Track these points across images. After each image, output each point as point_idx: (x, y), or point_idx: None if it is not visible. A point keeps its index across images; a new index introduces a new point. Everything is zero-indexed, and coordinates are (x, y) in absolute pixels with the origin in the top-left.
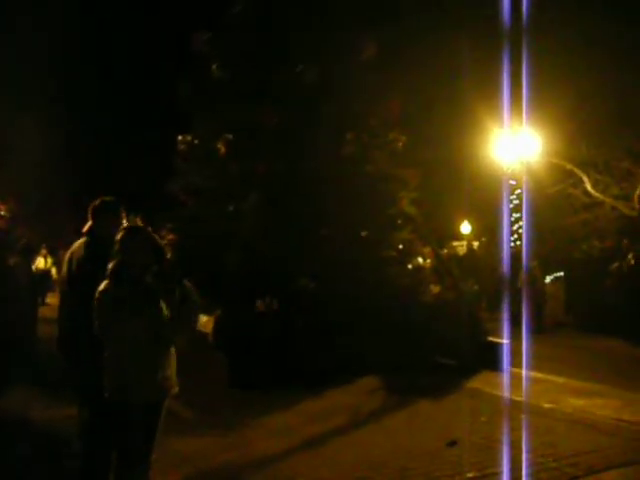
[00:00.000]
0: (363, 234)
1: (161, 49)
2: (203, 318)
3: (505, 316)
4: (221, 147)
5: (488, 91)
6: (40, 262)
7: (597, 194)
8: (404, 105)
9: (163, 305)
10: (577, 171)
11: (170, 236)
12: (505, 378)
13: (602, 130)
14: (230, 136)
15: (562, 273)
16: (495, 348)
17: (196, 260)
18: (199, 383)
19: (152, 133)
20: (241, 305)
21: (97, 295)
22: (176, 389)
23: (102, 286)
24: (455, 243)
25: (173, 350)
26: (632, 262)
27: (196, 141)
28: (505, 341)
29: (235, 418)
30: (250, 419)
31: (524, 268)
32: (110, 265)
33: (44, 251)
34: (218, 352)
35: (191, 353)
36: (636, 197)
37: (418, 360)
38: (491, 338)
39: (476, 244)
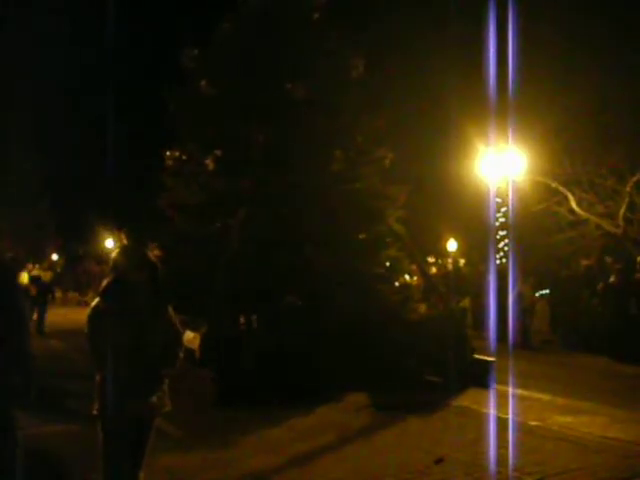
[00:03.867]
0: (350, 251)
1: (148, 65)
2: (190, 334)
3: (491, 333)
4: (209, 163)
5: (474, 109)
6: (24, 277)
7: (582, 212)
8: (391, 122)
9: (152, 325)
10: (562, 189)
11: (157, 252)
12: (492, 395)
13: (586, 148)
14: (218, 152)
15: (547, 290)
16: (482, 365)
17: (183, 276)
18: (186, 399)
19: (139, 149)
20: (227, 321)
21: (89, 312)
22: (168, 407)
23: (94, 303)
24: (432, 260)
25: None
26: (616, 280)
27: (184, 157)
28: (491, 358)
29: (222, 435)
30: (237, 436)
31: (510, 285)
32: (104, 282)
33: (30, 266)
34: (204, 368)
35: (178, 370)
36: (620, 215)
37: (405, 377)
38: (477, 355)
39: (462, 261)
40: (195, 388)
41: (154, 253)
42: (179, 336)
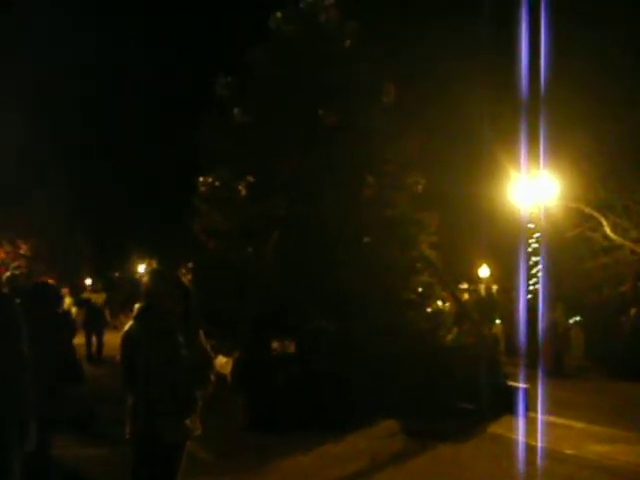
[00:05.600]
0: (382, 277)
1: (181, 92)
2: (222, 359)
3: (524, 360)
4: (242, 189)
5: (506, 135)
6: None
7: (616, 237)
8: (423, 148)
9: (186, 351)
10: (595, 214)
11: (190, 276)
12: (525, 423)
13: (620, 173)
14: (250, 178)
15: (579, 317)
16: (515, 392)
17: (215, 301)
18: (217, 425)
19: (171, 176)
20: (259, 346)
21: (122, 336)
22: (199, 431)
23: (126, 327)
24: (465, 286)
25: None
26: None
27: (217, 183)
28: (524, 385)
29: (253, 460)
30: (268, 462)
31: (541, 311)
32: (136, 306)
33: (65, 290)
34: (237, 394)
35: (210, 395)
36: None
37: (437, 404)
38: (511, 382)
39: (495, 287)
40: (227, 413)
41: (186, 278)
42: (210, 360)
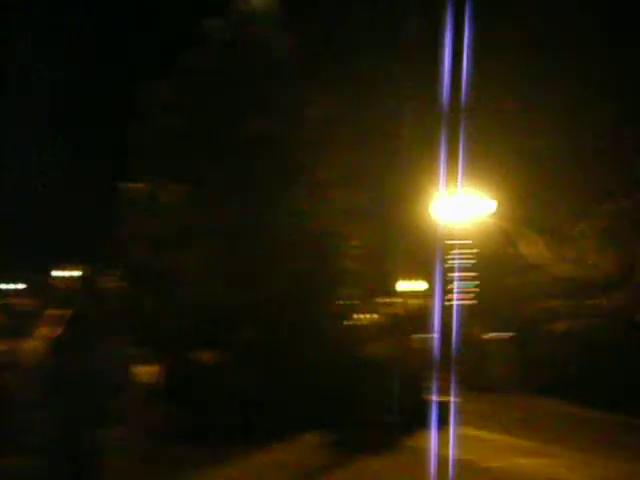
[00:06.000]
0: (306, 289)
1: (111, 95)
2: (147, 368)
3: (448, 374)
4: (170, 195)
5: (434, 152)
6: None
7: (536, 256)
8: (353, 161)
9: (106, 357)
10: (516, 232)
11: (115, 284)
12: (447, 436)
13: (544, 194)
14: (179, 185)
15: (506, 333)
16: (438, 406)
17: (140, 309)
18: (138, 435)
19: (101, 180)
20: (185, 357)
21: (42, 343)
22: (119, 441)
23: (43, 334)
24: (387, 299)
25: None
26: (575, 324)
27: (145, 189)
28: (448, 399)
29: (175, 471)
30: (190, 473)
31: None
32: (57, 314)
33: None
34: (161, 404)
35: (131, 404)
36: (576, 261)
37: (360, 416)
38: (430, 395)
39: (419, 301)
40: (150, 423)
41: (113, 285)
42: (128, 370)
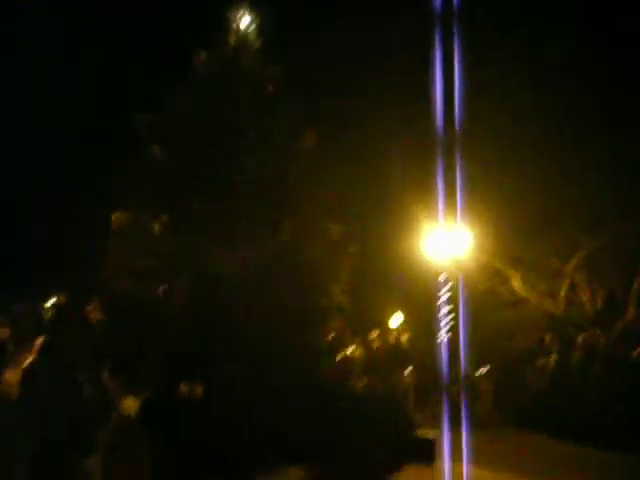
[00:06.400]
0: (293, 322)
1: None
2: (127, 399)
3: (437, 409)
4: (155, 227)
5: (422, 185)
6: None
7: (523, 291)
8: (340, 195)
9: (88, 388)
10: (505, 269)
11: (98, 314)
12: (434, 472)
13: (531, 229)
14: (165, 217)
15: (486, 368)
16: (424, 442)
17: (123, 339)
18: (120, 467)
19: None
20: (166, 388)
21: (22, 371)
22: (99, 471)
23: (27, 362)
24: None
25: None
26: (555, 359)
27: (130, 220)
28: (433, 435)
29: None
30: None
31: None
32: (38, 342)
33: None
34: (141, 435)
35: (113, 435)
36: (561, 296)
37: (346, 451)
38: (420, 432)
39: (406, 336)
40: (131, 454)
41: (95, 314)
42: (113, 399)
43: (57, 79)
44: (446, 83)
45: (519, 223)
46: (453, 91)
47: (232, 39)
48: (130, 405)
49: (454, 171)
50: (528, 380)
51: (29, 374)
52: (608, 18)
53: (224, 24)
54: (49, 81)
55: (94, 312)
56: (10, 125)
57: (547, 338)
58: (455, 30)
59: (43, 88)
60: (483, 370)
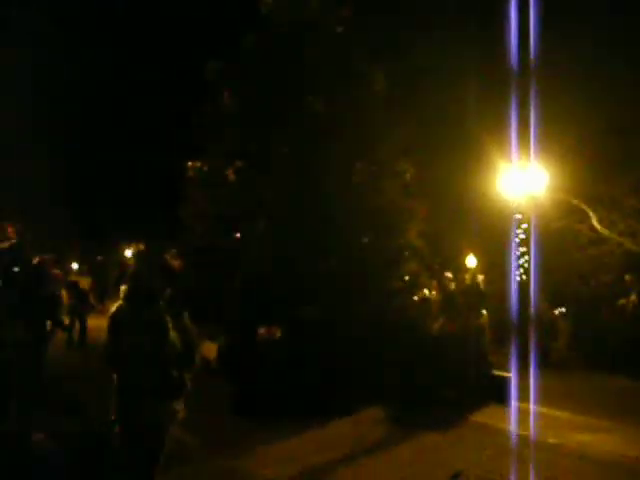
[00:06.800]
0: (370, 264)
1: (173, 76)
2: (208, 344)
3: (512, 350)
4: (230, 174)
5: (495, 126)
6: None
7: (603, 230)
8: (413, 137)
9: (172, 333)
10: (583, 207)
11: (177, 262)
12: (510, 412)
13: (608, 167)
14: (240, 163)
15: (564, 309)
16: (500, 382)
17: (201, 286)
18: (202, 410)
19: (160, 159)
20: (245, 332)
21: (109, 318)
22: (183, 414)
23: (114, 309)
24: (450, 274)
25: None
26: (636, 300)
27: (205, 168)
28: (510, 375)
29: (239, 445)
30: (254, 446)
31: (532, 302)
32: (123, 287)
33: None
34: (221, 379)
35: (194, 379)
36: None
37: (423, 392)
38: (496, 372)
39: (481, 277)
40: (212, 398)
41: (174, 262)
42: (196, 343)
43: (121, 27)
44: (521, 19)
45: (597, 160)
46: (528, 27)
47: None
48: (210, 349)
49: (529, 107)
50: (607, 320)
51: (115, 319)
52: None
53: None
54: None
55: (174, 258)
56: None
57: (627, 278)
58: None
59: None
60: (561, 310)
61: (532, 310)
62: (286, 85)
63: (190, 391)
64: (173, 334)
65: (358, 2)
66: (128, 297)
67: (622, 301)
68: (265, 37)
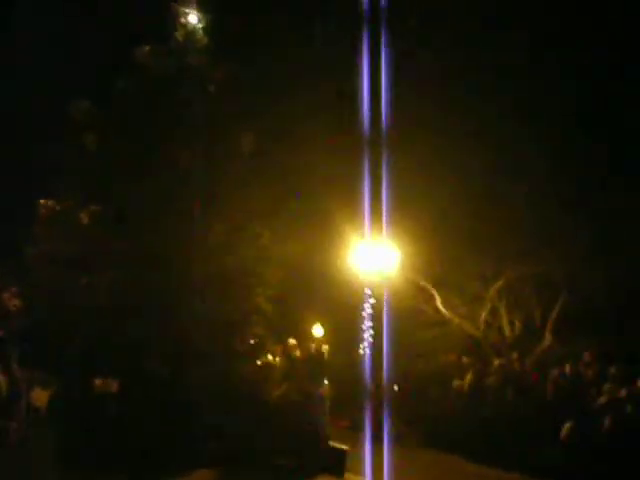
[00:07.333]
0: (215, 326)
1: (32, 110)
2: (37, 391)
3: (351, 422)
4: (84, 217)
5: (353, 201)
6: None
7: (446, 312)
8: (270, 202)
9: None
10: (430, 288)
11: (16, 301)
12: None
13: (457, 253)
14: (94, 207)
15: (396, 386)
16: (335, 453)
17: (40, 329)
18: (26, 458)
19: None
20: (82, 382)
21: None
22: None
23: None
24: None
25: None
26: (471, 380)
27: (58, 207)
28: (345, 447)
29: None
30: None
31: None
32: None
33: None
34: (50, 428)
35: (19, 427)
36: (481, 319)
37: (258, 457)
38: (332, 443)
39: (326, 347)
40: (37, 447)
41: (13, 301)
42: (22, 389)
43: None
44: (377, 79)
45: (446, 244)
46: (380, 99)
47: (179, 34)
48: (40, 397)
49: (381, 184)
50: (443, 400)
51: None
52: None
53: (170, 18)
54: None
55: (12, 298)
56: None
57: (465, 360)
58: (382, 29)
59: None
60: (396, 387)
61: (373, 384)
62: (151, 135)
63: (13, 440)
64: (1, 378)
65: (233, 63)
66: None
67: (457, 382)
68: (137, 85)
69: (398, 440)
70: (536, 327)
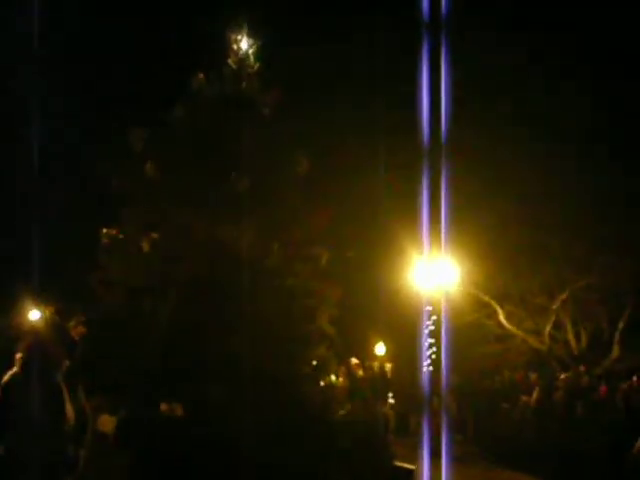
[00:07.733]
0: (277, 347)
1: (90, 138)
2: (105, 418)
3: (415, 440)
4: (145, 245)
5: (410, 218)
6: None
7: (510, 326)
8: (330, 222)
9: (68, 405)
10: (492, 303)
11: (81, 329)
12: None
13: (519, 264)
14: (155, 235)
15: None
16: (402, 473)
17: (104, 356)
18: None
19: (73, 224)
20: (146, 407)
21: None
22: None
23: (7, 376)
24: (357, 361)
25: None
26: (538, 396)
27: (121, 236)
28: (412, 466)
29: None
30: None
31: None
32: (18, 356)
33: None
34: (118, 454)
35: (89, 454)
36: (546, 332)
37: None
38: (398, 462)
39: (389, 366)
40: (107, 473)
41: (78, 330)
42: (89, 417)
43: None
44: (437, 95)
45: (509, 258)
46: (440, 117)
47: (232, 60)
48: (106, 423)
49: (440, 200)
50: (510, 417)
51: (8, 387)
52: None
53: (224, 44)
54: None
55: (78, 327)
56: None
57: (532, 376)
58: (443, 39)
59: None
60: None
61: (438, 402)
62: (210, 162)
63: (83, 468)
64: (69, 407)
65: (286, 87)
66: (23, 365)
67: (525, 398)
68: (193, 111)
69: (465, 458)
70: (603, 339)
